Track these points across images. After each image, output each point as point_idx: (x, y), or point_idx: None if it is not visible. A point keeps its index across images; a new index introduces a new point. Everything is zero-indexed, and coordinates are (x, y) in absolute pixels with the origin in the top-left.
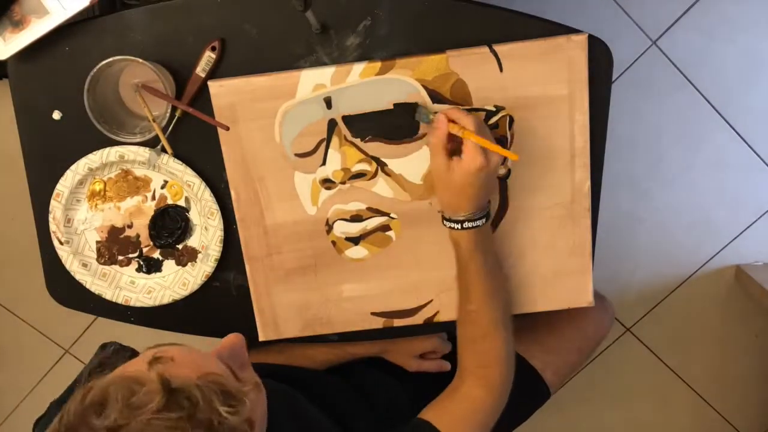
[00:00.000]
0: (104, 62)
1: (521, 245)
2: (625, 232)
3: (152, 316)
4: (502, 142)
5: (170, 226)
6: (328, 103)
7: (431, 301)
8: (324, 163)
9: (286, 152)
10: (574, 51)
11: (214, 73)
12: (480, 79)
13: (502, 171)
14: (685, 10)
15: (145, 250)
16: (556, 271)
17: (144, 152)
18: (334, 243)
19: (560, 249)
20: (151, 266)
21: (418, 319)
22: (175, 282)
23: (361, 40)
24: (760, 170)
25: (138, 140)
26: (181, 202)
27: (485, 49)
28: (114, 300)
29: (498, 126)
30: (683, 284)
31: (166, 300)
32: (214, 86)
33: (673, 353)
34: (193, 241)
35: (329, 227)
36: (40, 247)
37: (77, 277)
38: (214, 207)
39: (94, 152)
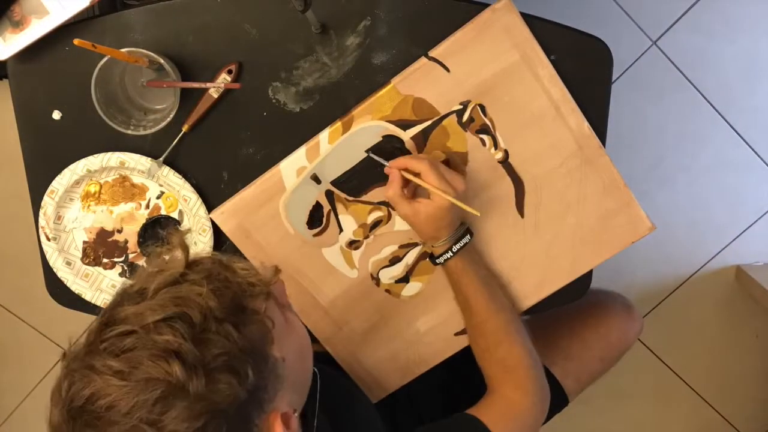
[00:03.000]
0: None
1: (556, 210)
2: None
3: None
4: (486, 130)
5: (160, 236)
6: (316, 179)
7: None
8: (341, 229)
9: (305, 238)
10: (504, 18)
11: (227, 95)
12: (434, 87)
13: (499, 155)
14: (685, 10)
15: (131, 256)
16: (601, 217)
17: (146, 162)
18: (388, 291)
19: (593, 195)
20: (134, 272)
21: None
22: None
23: (361, 40)
24: (760, 170)
25: (144, 132)
26: (175, 215)
27: (424, 60)
28: (93, 302)
29: (474, 119)
30: (683, 284)
31: None
32: (216, 216)
33: (673, 353)
34: None
35: (376, 280)
36: (40, 247)
37: (59, 274)
38: (207, 224)
39: (95, 155)
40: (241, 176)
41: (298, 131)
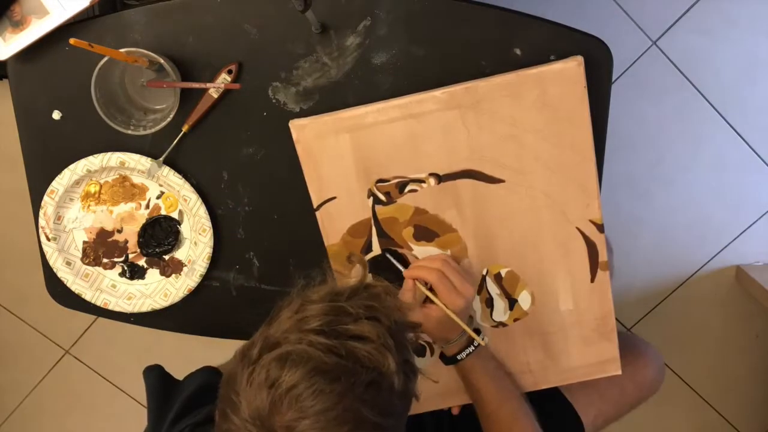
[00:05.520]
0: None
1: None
2: (625, 232)
3: (151, 318)
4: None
5: (160, 237)
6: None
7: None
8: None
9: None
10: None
11: (227, 95)
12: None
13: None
14: (685, 10)
15: (131, 256)
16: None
17: (145, 162)
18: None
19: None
20: (134, 272)
21: None
22: (156, 291)
23: (361, 40)
24: (760, 170)
25: (144, 132)
26: (175, 215)
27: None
28: (93, 302)
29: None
30: (683, 284)
31: (145, 308)
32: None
33: (673, 353)
34: (180, 254)
35: None
36: (40, 247)
37: (59, 274)
38: (207, 224)
39: (95, 155)
40: (241, 176)
41: None
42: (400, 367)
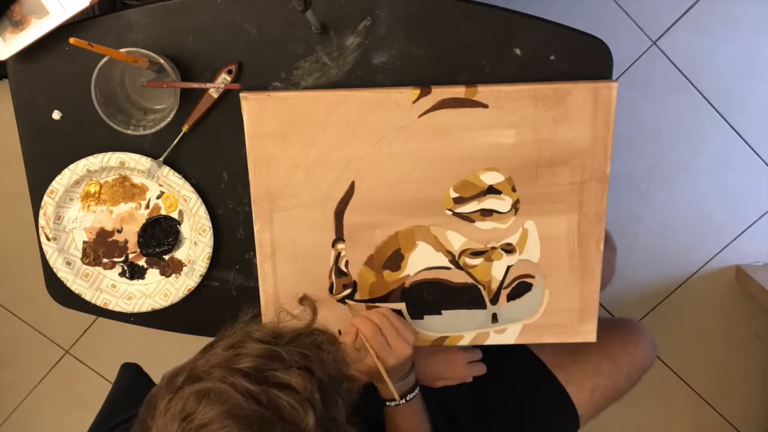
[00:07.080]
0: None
1: None
2: (625, 232)
3: (151, 318)
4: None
5: (160, 237)
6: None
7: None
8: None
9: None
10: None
11: (227, 95)
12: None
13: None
14: (686, 10)
15: (131, 256)
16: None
17: (145, 162)
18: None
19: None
20: (134, 272)
21: None
22: (156, 291)
23: (361, 40)
24: (760, 170)
25: (144, 132)
26: (175, 215)
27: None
28: (93, 302)
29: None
30: (684, 284)
31: (145, 308)
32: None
33: (673, 353)
34: (180, 254)
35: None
36: (40, 247)
37: (59, 274)
38: (207, 224)
39: (95, 155)
40: (241, 176)
41: None
42: (321, 425)
